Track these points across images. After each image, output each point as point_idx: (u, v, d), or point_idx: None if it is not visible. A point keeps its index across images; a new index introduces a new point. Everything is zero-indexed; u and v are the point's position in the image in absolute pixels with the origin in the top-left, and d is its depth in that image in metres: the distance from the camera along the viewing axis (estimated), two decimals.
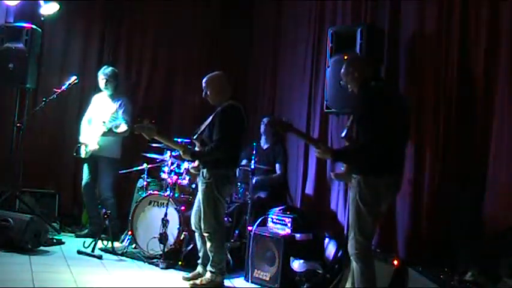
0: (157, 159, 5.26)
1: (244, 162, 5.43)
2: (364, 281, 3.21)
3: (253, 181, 5.24)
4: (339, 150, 3.68)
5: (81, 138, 5.59)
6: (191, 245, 4.63)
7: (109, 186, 5.58)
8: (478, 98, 3.75)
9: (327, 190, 5.01)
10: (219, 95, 4.22)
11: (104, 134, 5.38)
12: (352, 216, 3.27)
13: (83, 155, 5.53)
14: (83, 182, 5.62)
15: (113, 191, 5.61)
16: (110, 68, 5.66)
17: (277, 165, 5.53)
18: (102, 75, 5.58)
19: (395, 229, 4.15)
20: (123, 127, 5.31)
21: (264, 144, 5.61)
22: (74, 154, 5.58)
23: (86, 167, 5.61)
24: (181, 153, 4.16)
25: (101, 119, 5.42)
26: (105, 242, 4.96)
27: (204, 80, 4.26)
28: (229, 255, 4.55)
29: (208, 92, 4.23)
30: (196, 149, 4.23)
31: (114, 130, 5.31)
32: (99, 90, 5.73)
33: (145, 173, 5.32)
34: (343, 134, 3.57)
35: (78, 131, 5.69)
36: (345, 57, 4.25)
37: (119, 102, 5.58)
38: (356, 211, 3.24)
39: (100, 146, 5.41)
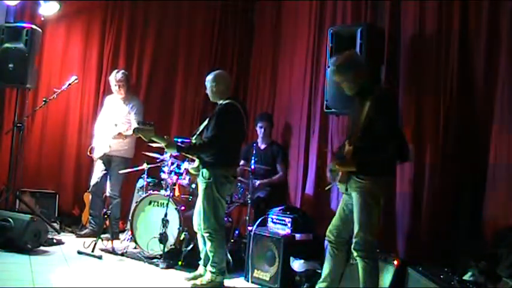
0: (157, 159, 5.26)
1: (241, 162, 5.42)
2: (372, 279, 3.32)
3: (256, 184, 5.22)
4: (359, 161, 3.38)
5: (95, 141, 5.72)
6: (191, 245, 4.63)
7: (118, 185, 5.64)
8: (478, 98, 3.74)
9: (327, 190, 4.99)
10: (222, 92, 4.24)
11: (116, 137, 5.54)
12: (363, 217, 3.32)
13: (96, 156, 5.66)
14: (93, 181, 5.66)
15: (120, 191, 5.67)
16: (121, 72, 5.70)
17: (277, 166, 5.52)
18: (114, 80, 5.63)
19: (395, 229, 4.15)
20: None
21: (261, 145, 5.61)
22: (88, 154, 5.76)
23: (98, 166, 5.66)
24: (165, 147, 4.10)
25: (113, 122, 5.56)
26: (105, 242, 4.96)
27: (210, 76, 4.27)
28: (229, 255, 4.55)
29: (211, 88, 4.25)
30: None
31: (126, 133, 5.53)
32: (110, 92, 5.81)
33: (145, 173, 5.33)
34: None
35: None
36: None
37: (131, 105, 5.67)
38: (367, 212, 3.31)
39: (114, 146, 5.56)
